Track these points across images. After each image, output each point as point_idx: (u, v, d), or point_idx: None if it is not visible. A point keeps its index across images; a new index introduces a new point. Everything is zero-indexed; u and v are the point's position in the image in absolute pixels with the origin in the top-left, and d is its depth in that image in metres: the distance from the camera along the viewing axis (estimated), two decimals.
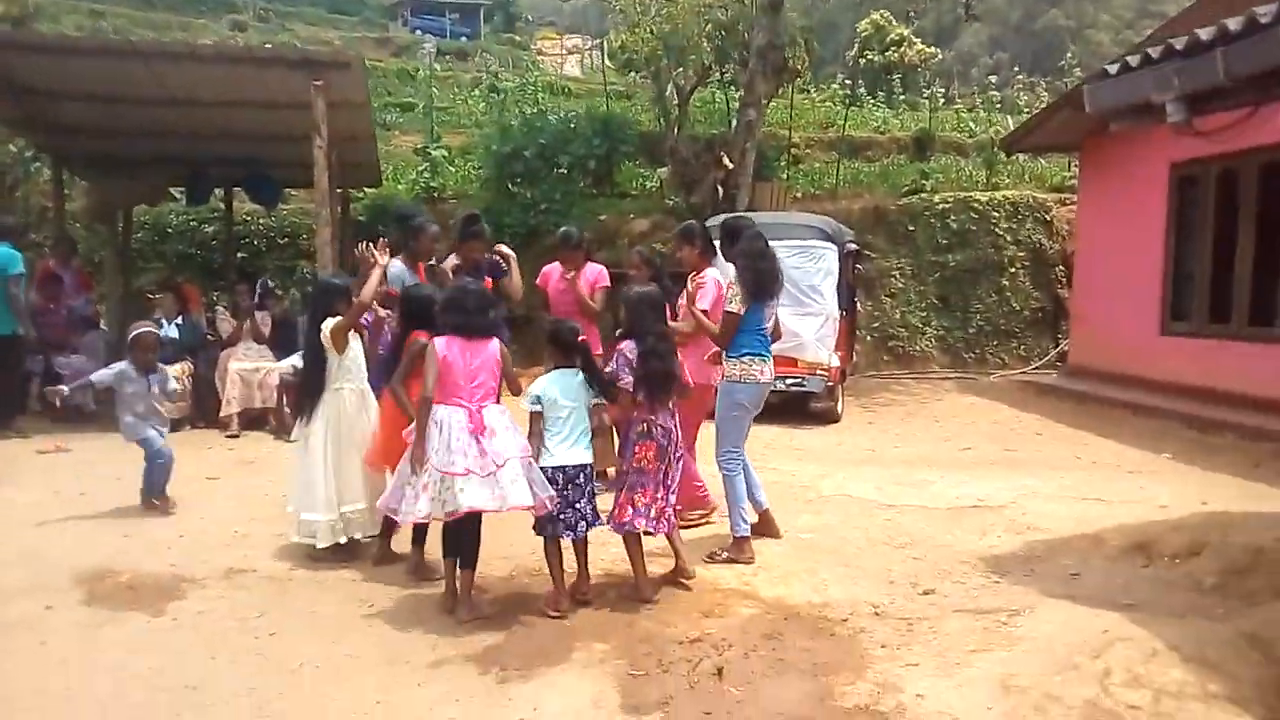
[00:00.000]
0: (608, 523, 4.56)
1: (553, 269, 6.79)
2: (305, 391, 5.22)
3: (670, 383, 4.62)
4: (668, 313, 5.07)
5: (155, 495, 5.98)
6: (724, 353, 5.19)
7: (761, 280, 5.09)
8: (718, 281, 5.61)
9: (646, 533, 4.60)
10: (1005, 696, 3.47)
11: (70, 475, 6.83)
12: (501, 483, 4.23)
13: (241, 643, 4.01)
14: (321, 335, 5.03)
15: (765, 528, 5.39)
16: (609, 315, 6.68)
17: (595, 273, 6.72)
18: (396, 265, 5.80)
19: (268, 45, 18.25)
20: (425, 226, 6.12)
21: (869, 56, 28.08)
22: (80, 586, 4.60)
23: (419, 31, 42.67)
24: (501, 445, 4.31)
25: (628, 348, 4.61)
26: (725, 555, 5.03)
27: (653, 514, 4.53)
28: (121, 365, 5.96)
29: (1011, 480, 6.91)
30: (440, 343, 4.38)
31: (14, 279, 8.13)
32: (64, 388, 6.14)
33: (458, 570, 4.39)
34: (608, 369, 4.63)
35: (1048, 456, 7.99)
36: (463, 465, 4.23)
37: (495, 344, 4.53)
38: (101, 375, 6.01)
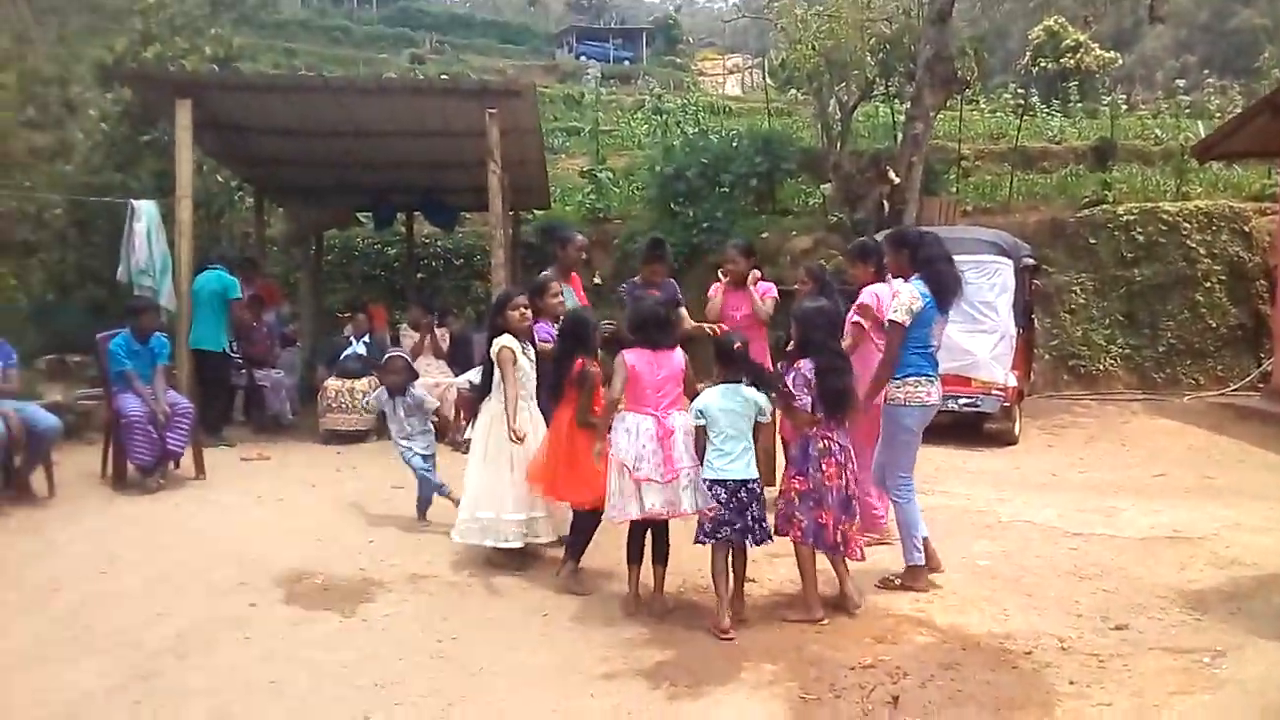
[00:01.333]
0: (787, 536, 4.53)
1: (716, 288, 6.80)
2: (479, 399, 5.42)
3: (848, 400, 4.56)
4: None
5: (419, 511, 6.27)
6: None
7: (945, 284, 4.86)
8: (878, 294, 5.49)
9: (847, 555, 4.55)
10: None
11: (271, 482, 7.33)
12: (676, 489, 4.45)
13: (425, 645, 4.18)
14: (491, 352, 5.23)
15: (926, 558, 5.06)
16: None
17: (764, 287, 6.69)
18: (545, 276, 6.03)
19: (444, 76, 19.16)
20: (571, 236, 6.43)
21: (1042, 64, 26.94)
22: (280, 586, 4.93)
23: (584, 57, 43.80)
24: (680, 454, 4.49)
25: (806, 366, 4.57)
26: (900, 582, 4.88)
27: (839, 536, 4.47)
28: (382, 394, 6.42)
29: (1211, 510, 6.43)
30: (630, 355, 4.62)
31: (235, 303, 8.87)
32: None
33: (651, 569, 4.62)
34: (786, 386, 4.60)
35: (1252, 485, 7.39)
36: (645, 471, 4.47)
37: (679, 354, 4.69)
38: (372, 399, 6.56)
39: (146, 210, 8.92)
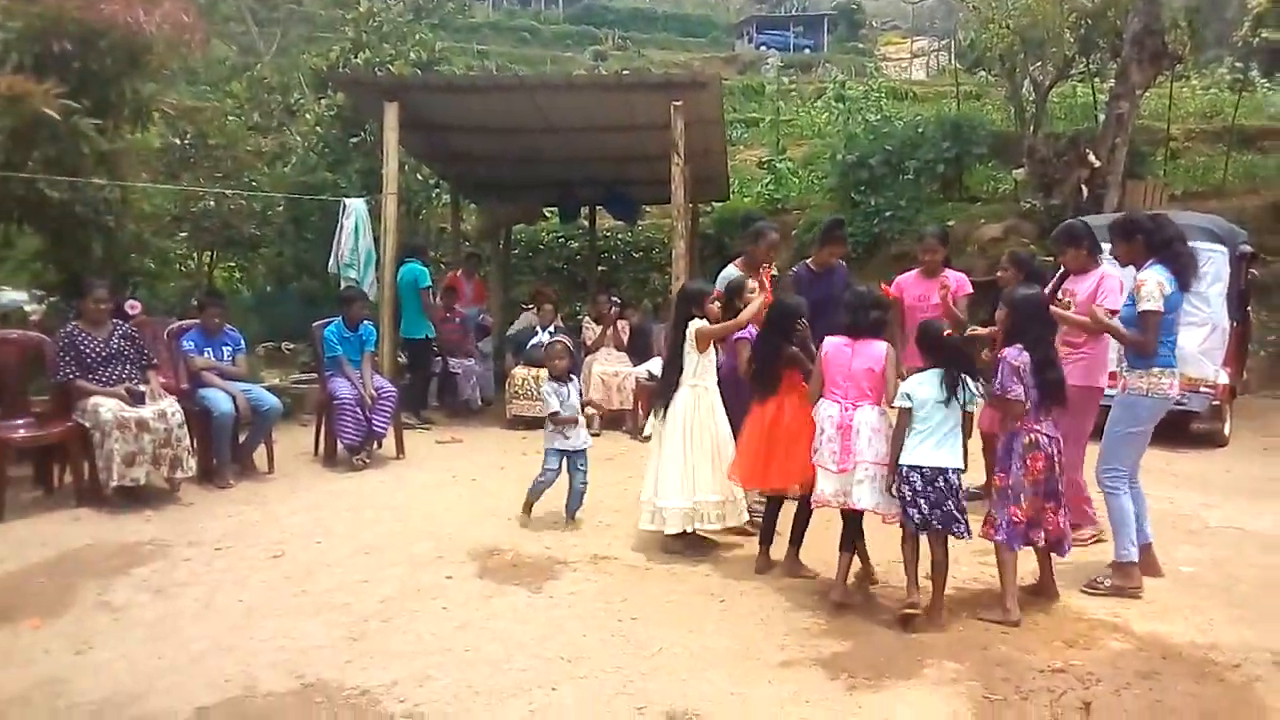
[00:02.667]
0: (988, 535, 4.44)
1: (906, 278, 6.65)
2: (664, 387, 5.52)
3: (1063, 391, 4.41)
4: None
5: (568, 514, 5.98)
6: (1128, 362, 4.77)
7: (1188, 268, 4.66)
8: (1114, 277, 5.24)
9: (1044, 548, 4.46)
10: None
11: (464, 462, 7.76)
12: (850, 481, 4.47)
13: (608, 624, 4.34)
14: (687, 333, 5.33)
15: (1145, 565, 4.82)
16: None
17: (957, 279, 6.46)
18: (730, 270, 6.04)
19: (626, 71, 19.53)
20: (765, 231, 6.24)
21: (1263, 35, 24.66)
22: (474, 561, 5.23)
23: (764, 47, 43.47)
24: (861, 446, 4.47)
25: (1011, 355, 4.42)
26: (1110, 583, 4.65)
27: (1038, 532, 4.36)
28: (546, 386, 5.97)
29: None
30: (827, 342, 4.67)
31: (425, 291, 9.45)
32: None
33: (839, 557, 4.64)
34: (994, 379, 4.48)
35: None
36: (821, 458, 4.55)
37: (881, 347, 4.62)
38: (550, 401, 5.87)
39: (357, 208, 9.59)
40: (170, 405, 6.29)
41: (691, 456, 5.29)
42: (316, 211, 11.51)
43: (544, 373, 9.28)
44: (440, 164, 12.60)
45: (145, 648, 4.02)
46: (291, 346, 11.38)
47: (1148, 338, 4.64)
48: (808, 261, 6.64)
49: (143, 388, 6.28)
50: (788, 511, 5.09)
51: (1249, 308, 10.04)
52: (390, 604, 4.57)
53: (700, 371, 5.39)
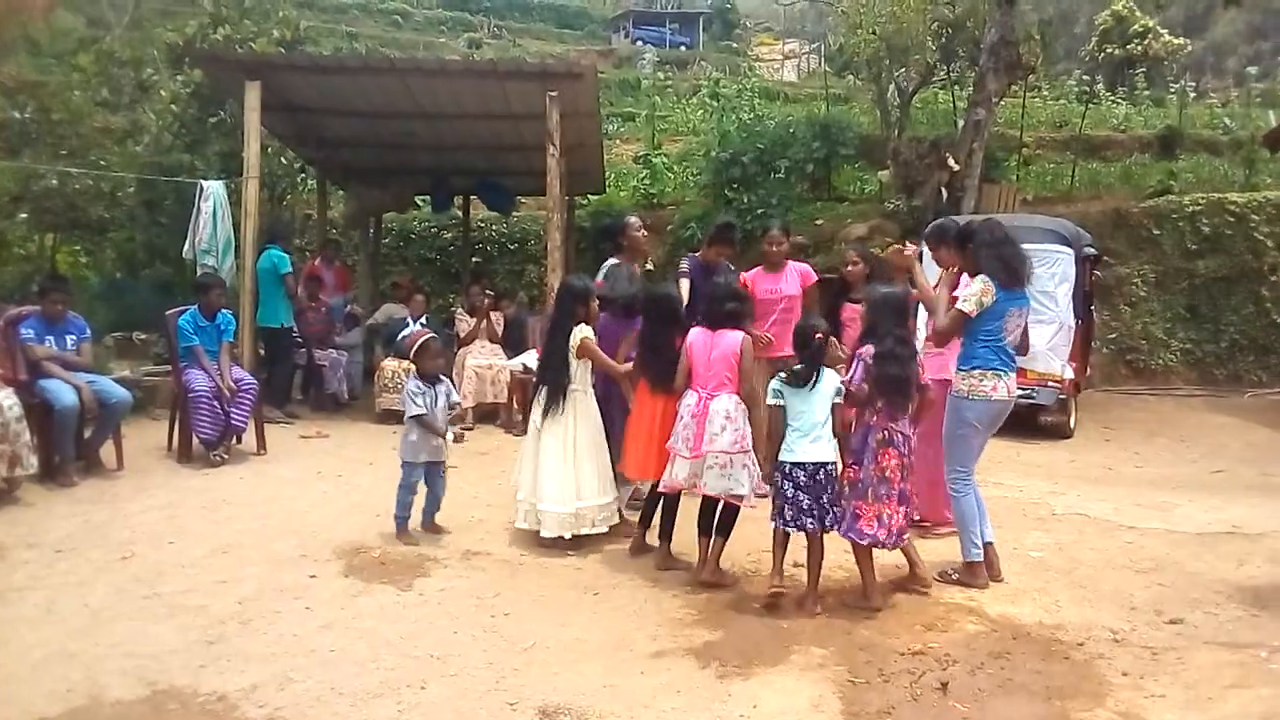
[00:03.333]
0: (837, 529, 4.50)
1: (755, 273, 6.75)
2: (540, 381, 5.47)
3: (907, 388, 4.50)
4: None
5: (426, 521, 5.57)
6: (955, 363, 4.92)
7: (1011, 265, 4.70)
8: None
9: (884, 547, 4.52)
10: None
11: (330, 459, 7.52)
12: (701, 467, 4.64)
13: (479, 620, 4.28)
14: (571, 340, 5.30)
15: (986, 566, 4.88)
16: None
17: (801, 270, 6.69)
18: (611, 263, 6.11)
19: (502, 59, 19.30)
20: (627, 221, 6.58)
21: (1109, 50, 26.31)
22: (339, 559, 5.07)
23: (640, 42, 43.70)
24: (714, 433, 4.61)
25: (867, 353, 4.52)
26: (956, 577, 4.82)
27: (894, 528, 4.43)
28: (411, 385, 5.41)
29: (1271, 506, 6.31)
30: (692, 334, 4.86)
31: (287, 277, 9.06)
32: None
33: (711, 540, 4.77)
34: (847, 375, 4.59)
35: None
36: (676, 444, 4.73)
37: (737, 337, 4.77)
38: (417, 404, 5.34)
39: (215, 191, 9.15)
40: (7, 398, 5.86)
41: (575, 461, 5.27)
42: (171, 194, 10.93)
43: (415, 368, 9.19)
44: (305, 148, 12.14)
45: None
46: (143, 337, 10.77)
47: (945, 326, 4.79)
48: (698, 254, 6.74)
49: None
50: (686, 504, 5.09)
51: (1092, 307, 10.68)
52: (249, 605, 4.39)
53: (581, 376, 5.38)
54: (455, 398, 5.72)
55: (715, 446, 4.62)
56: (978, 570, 4.81)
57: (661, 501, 5.09)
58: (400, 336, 9.47)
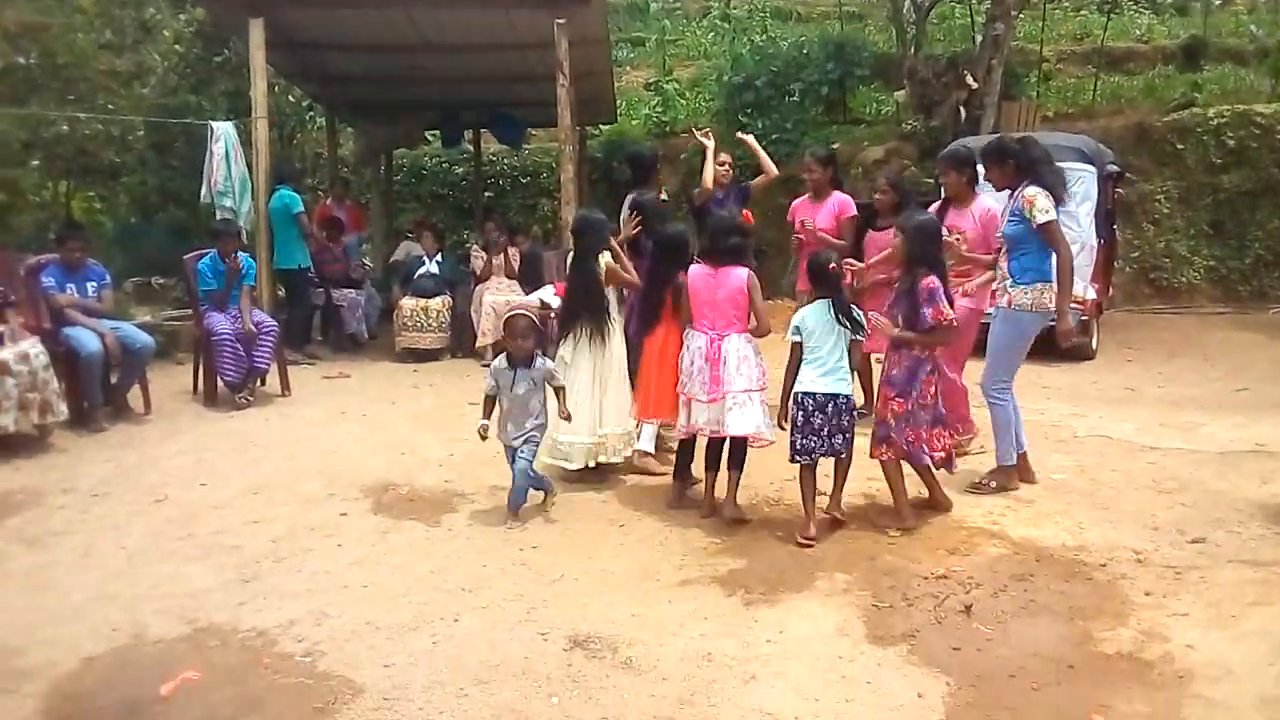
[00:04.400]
0: (876, 455, 4.60)
1: (800, 202, 6.70)
2: (573, 316, 5.34)
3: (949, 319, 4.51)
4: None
5: (510, 510, 4.79)
6: (1012, 278, 4.89)
7: (1061, 182, 4.84)
8: (993, 210, 5.38)
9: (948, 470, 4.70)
10: None
11: (353, 398, 7.57)
12: (722, 409, 4.58)
13: (507, 553, 4.35)
14: (598, 267, 5.25)
15: (1021, 472, 5.11)
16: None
17: (841, 201, 6.57)
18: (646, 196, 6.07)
19: None
20: (655, 165, 6.62)
21: None
22: (368, 497, 5.14)
23: None
24: (730, 374, 4.58)
25: (930, 282, 4.47)
26: (994, 484, 4.93)
27: (948, 450, 4.61)
28: (498, 362, 4.92)
29: None
30: (691, 271, 4.74)
31: (299, 216, 9.02)
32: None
33: (725, 475, 4.73)
34: (928, 309, 4.45)
35: None
36: (692, 389, 4.67)
37: (742, 273, 4.68)
38: (489, 382, 4.88)
39: (225, 132, 9.07)
40: (33, 346, 5.92)
41: (599, 390, 5.28)
42: (181, 136, 10.88)
43: (432, 304, 9.24)
44: (313, 85, 12.01)
45: (22, 599, 3.85)
46: (162, 281, 10.82)
47: (1060, 247, 4.75)
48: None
49: (0, 328, 5.89)
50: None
51: (1115, 226, 10.52)
52: (282, 543, 4.48)
53: (611, 305, 5.36)
54: (558, 380, 4.90)
55: (734, 387, 4.59)
56: (1011, 474, 4.95)
57: (679, 444, 5.09)
58: (418, 275, 9.52)
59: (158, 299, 10.55)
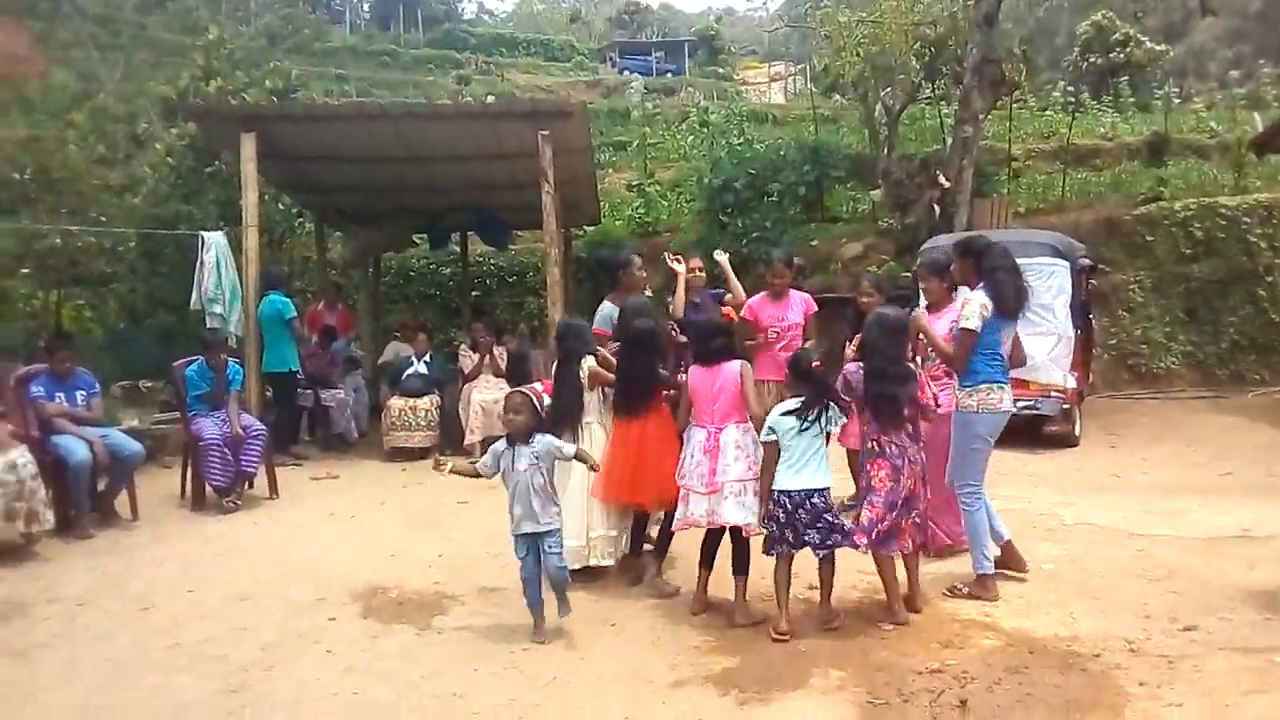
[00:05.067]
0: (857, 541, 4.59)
1: (756, 300, 6.81)
2: (558, 420, 5.34)
3: (895, 407, 4.58)
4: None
5: (534, 625, 4.58)
6: (958, 380, 5.02)
7: (1020, 296, 4.93)
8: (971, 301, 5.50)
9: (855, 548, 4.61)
10: None
11: (341, 499, 7.56)
12: (719, 500, 4.65)
13: (499, 656, 4.32)
14: (580, 373, 5.35)
15: (1009, 560, 5.13)
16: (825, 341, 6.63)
17: (803, 299, 6.76)
18: (606, 307, 6.17)
19: (491, 96, 19.52)
20: (629, 259, 6.59)
21: (1091, 59, 26.53)
22: (357, 601, 5.11)
23: (627, 71, 44.03)
24: (728, 464, 4.66)
25: (850, 370, 4.70)
26: (967, 591, 4.88)
27: (879, 532, 4.50)
28: (498, 444, 4.69)
29: None
30: (690, 373, 4.89)
31: (291, 322, 9.14)
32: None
33: (734, 581, 4.74)
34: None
35: None
36: (690, 480, 4.74)
37: (735, 366, 4.80)
38: (484, 463, 4.71)
39: (216, 241, 9.23)
40: (21, 455, 5.91)
41: (586, 494, 5.30)
42: (171, 244, 11.04)
43: (420, 403, 9.28)
44: (302, 194, 12.28)
45: (5, 715, 3.77)
46: (149, 384, 10.83)
47: (957, 353, 4.91)
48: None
49: None
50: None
51: (1090, 316, 10.74)
52: (270, 651, 4.43)
53: (591, 408, 5.42)
54: (566, 450, 4.71)
55: (730, 476, 4.66)
56: (989, 584, 4.88)
57: (660, 529, 5.17)
58: (406, 375, 9.58)
59: (145, 402, 10.53)
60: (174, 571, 5.67)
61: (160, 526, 6.72)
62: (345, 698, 3.92)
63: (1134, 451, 8.98)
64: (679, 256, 6.73)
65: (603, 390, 5.44)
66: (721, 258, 6.87)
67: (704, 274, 6.88)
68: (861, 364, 4.68)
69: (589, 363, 5.38)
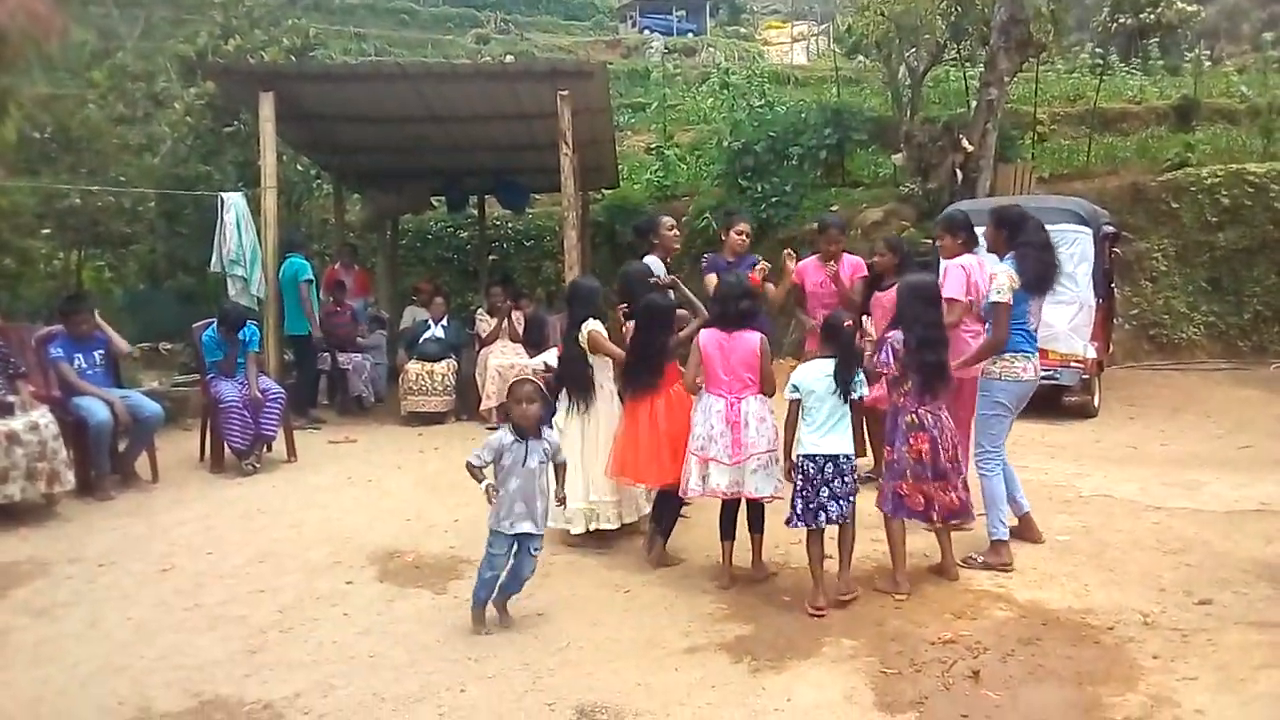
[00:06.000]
0: (879, 505, 4.68)
1: (808, 263, 6.78)
2: (559, 383, 5.48)
3: (942, 374, 4.61)
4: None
5: (501, 598, 4.39)
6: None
7: (1046, 274, 4.91)
8: (964, 268, 5.45)
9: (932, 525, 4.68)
10: None
11: (359, 464, 7.61)
12: (744, 472, 4.58)
13: (514, 621, 4.35)
14: (580, 338, 5.34)
15: (1026, 531, 5.16)
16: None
17: (854, 264, 6.65)
18: (653, 260, 6.15)
19: (510, 56, 19.35)
20: (659, 220, 6.58)
21: (1121, 20, 25.97)
22: (374, 565, 5.16)
23: (647, 31, 43.55)
24: (752, 437, 4.59)
25: (894, 338, 4.65)
26: (981, 560, 4.88)
27: (943, 506, 4.57)
28: (498, 434, 4.34)
29: None
30: (704, 335, 4.76)
31: (304, 284, 9.15)
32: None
33: (751, 539, 4.82)
34: (875, 358, 4.73)
35: None
36: (713, 451, 4.63)
37: (755, 338, 4.72)
38: (480, 454, 4.29)
39: (235, 202, 9.24)
40: (42, 416, 5.98)
41: (588, 458, 5.32)
42: (190, 205, 11.07)
43: (437, 367, 9.31)
44: (320, 154, 12.26)
45: (28, 673, 3.85)
46: (170, 347, 10.93)
47: (997, 329, 4.89)
48: (718, 253, 6.76)
49: (11, 398, 5.96)
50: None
51: (1113, 284, 10.61)
52: (288, 613, 4.48)
53: (598, 372, 5.42)
54: (562, 456, 4.48)
55: (757, 449, 4.60)
56: (1003, 550, 4.89)
57: (663, 500, 5.13)
58: (423, 339, 9.60)
59: (166, 364, 10.64)
60: (194, 533, 5.74)
61: (180, 489, 6.80)
62: (362, 660, 3.97)
63: (1153, 423, 8.91)
64: (793, 253, 6.75)
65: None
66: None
67: (749, 239, 6.82)
68: (902, 333, 4.63)
69: (589, 326, 5.33)
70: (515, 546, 4.27)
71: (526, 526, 4.24)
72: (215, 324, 7.48)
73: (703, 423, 4.71)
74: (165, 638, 4.20)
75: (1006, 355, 4.92)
